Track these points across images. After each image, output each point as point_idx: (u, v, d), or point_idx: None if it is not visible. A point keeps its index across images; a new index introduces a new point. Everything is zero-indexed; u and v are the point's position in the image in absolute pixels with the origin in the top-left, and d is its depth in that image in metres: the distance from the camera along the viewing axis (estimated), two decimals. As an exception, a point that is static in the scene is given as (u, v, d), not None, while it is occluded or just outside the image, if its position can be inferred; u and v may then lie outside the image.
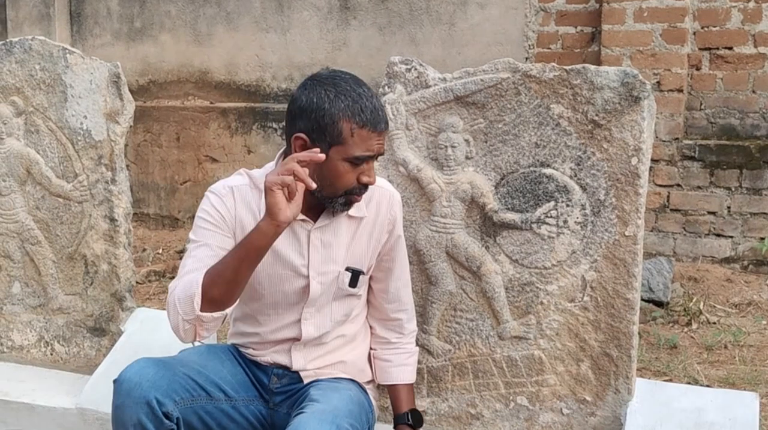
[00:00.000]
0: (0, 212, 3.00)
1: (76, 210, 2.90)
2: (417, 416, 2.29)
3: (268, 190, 1.87)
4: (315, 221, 2.15)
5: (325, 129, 2.00)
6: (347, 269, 2.19)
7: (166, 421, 1.96)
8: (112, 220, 2.85)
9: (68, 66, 2.81)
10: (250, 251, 1.92)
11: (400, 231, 2.29)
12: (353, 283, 2.20)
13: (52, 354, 3.05)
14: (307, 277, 2.16)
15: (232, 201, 2.12)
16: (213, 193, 2.14)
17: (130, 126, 2.87)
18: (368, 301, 2.34)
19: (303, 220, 2.13)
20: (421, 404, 2.52)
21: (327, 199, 2.08)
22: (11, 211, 2.98)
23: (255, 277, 2.11)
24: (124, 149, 2.87)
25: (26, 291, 3.04)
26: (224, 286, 1.95)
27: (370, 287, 2.31)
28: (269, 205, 1.87)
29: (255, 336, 2.23)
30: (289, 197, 1.88)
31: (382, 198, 2.23)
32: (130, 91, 2.90)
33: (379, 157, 2.12)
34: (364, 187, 2.07)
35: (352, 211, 2.16)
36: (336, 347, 2.26)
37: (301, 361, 2.22)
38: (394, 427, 2.29)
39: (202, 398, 2.08)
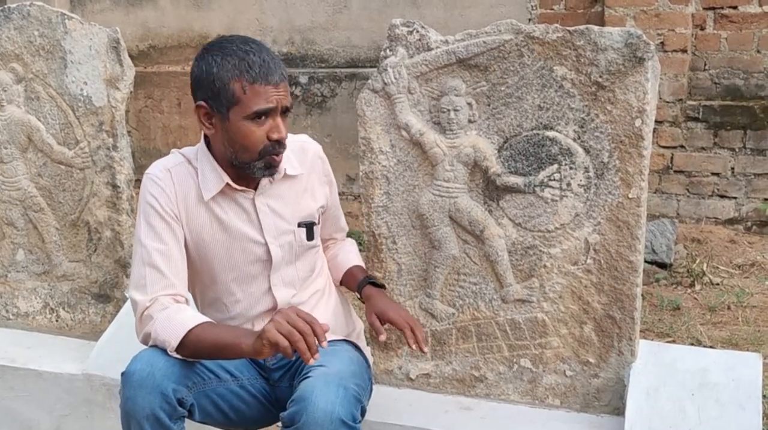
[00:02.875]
0: (2, 180, 3.00)
1: (78, 177, 2.89)
2: (377, 281, 2.39)
3: (265, 343, 1.85)
4: (255, 189, 2.16)
5: (219, 94, 2.02)
6: (300, 225, 2.21)
7: (180, 408, 1.96)
8: (115, 186, 2.85)
9: (67, 32, 2.79)
10: (227, 355, 1.97)
11: (332, 177, 2.36)
12: (310, 236, 2.23)
13: (57, 321, 3.06)
14: (265, 243, 2.17)
15: (170, 184, 2.13)
16: (151, 180, 2.13)
17: (131, 92, 2.86)
18: None
19: (243, 190, 2.15)
20: (425, 367, 2.54)
21: (246, 166, 2.08)
22: (13, 178, 2.98)
23: (213, 257, 2.17)
24: (125, 115, 2.86)
25: (30, 258, 3.05)
26: (196, 354, 2.00)
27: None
28: (257, 349, 1.86)
29: (232, 320, 2.23)
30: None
31: (314, 154, 2.28)
32: (130, 56, 2.89)
33: (288, 112, 2.08)
34: (278, 143, 2.05)
35: (288, 170, 2.18)
36: (314, 303, 2.28)
37: None
38: (359, 292, 2.34)
39: (212, 380, 2.09)
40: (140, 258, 2.09)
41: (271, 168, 2.09)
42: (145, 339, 2.05)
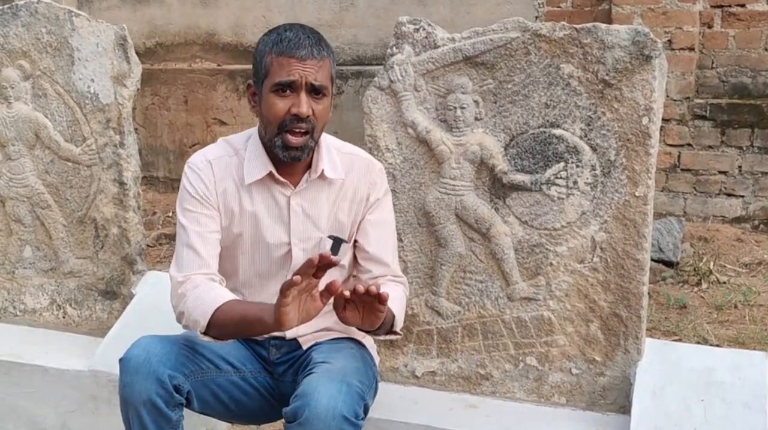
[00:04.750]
0: (10, 176, 3.00)
1: (85, 174, 2.90)
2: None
3: (281, 294, 1.83)
4: (295, 186, 2.15)
5: (258, 69, 2.08)
6: (330, 237, 2.19)
7: (176, 395, 1.96)
8: (121, 183, 2.86)
9: (74, 29, 2.79)
10: (253, 330, 2.00)
11: (380, 194, 2.23)
12: (335, 250, 2.19)
13: (64, 317, 3.07)
14: (289, 244, 2.17)
15: (211, 175, 2.14)
16: (192, 170, 2.15)
17: (138, 89, 2.86)
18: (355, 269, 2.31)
19: (283, 183, 2.14)
20: (431, 364, 2.54)
21: (272, 144, 2.07)
22: (21, 175, 2.98)
23: (238, 249, 2.17)
24: (131, 112, 2.86)
25: (37, 255, 3.06)
26: (224, 334, 2.02)
27: (354, 255, 2.27)
28: (279, 312, 1.84)
29: None
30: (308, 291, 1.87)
31: (362, 167, 2.22)
32: (137, 53, 2.89)
33: (319, 92, 2.04)
34: (296, 119, 2.03)
35: (328, 172, 2.15)
36: (324, 312, 2.24)
37: (293, 329, 2.21)
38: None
39: (211, 370, 2.10)
40: (180, 239, 2.13)
41: (288, 149, 2.05)
42: (179, 318, 2.08)
